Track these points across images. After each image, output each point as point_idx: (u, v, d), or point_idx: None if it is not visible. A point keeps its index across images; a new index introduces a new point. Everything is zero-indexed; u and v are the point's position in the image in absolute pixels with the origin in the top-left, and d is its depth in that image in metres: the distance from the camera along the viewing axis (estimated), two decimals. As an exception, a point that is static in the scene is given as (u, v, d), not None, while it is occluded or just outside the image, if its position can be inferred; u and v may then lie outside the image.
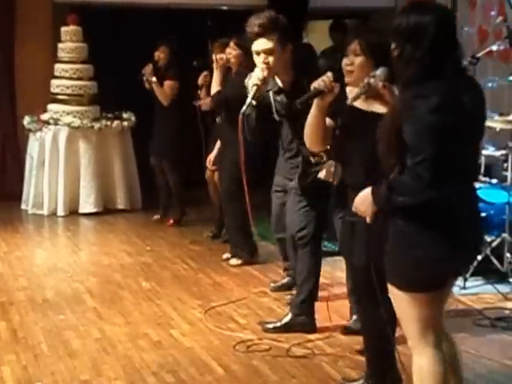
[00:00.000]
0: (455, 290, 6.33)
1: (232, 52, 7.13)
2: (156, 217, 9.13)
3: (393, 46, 3.46)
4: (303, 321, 5.49)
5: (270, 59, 5.05)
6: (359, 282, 4.37)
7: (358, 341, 5.10)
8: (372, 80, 4.02)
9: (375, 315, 4.16)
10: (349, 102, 4.04)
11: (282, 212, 5.80)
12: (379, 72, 4.02)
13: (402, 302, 3.50)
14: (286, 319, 5.52)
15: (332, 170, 4.77)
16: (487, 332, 5.57)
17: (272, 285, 6.59)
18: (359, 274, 4.28)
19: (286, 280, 6.53)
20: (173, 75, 8.72)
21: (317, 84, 4.15)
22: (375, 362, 4.42)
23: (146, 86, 8.85)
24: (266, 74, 5.06)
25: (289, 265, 6.30)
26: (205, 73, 7.94)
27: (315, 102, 4.19)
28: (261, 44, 5.07)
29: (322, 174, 5.02)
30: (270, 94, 5.24)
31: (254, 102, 5.07)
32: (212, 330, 5.57)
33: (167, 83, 8.72)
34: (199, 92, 8.04)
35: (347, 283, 5.47)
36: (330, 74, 4.20)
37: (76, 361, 5.00)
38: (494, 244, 6.53)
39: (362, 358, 4.81)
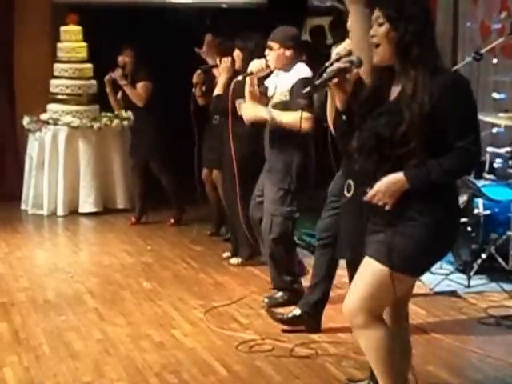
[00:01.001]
0: (460, 288, 6.32)
1: (235, 55, 7.08)
2: (133, 219, 9.05)
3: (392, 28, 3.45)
4: (310, 321, 5.45)
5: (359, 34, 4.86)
6: None
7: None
8: (345, 65, 3.69)
9: None
10: (317, 82, 3.74)
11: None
12: (355, 58, 3.74)
13: (385, 279, 3.46)
14: (294, 313, 5.48)
15: None
16: (492, 331, 5.54)
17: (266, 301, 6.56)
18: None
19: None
20: (144, 76, 8.73)
21: (333, 66, 3.96)
22: None
23: (108, 89, 8.98)
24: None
25: None
26: (198, 71, 7.89)
27: (329, 92, 3.97)
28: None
29: None
30: None
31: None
32: (214, 331, 5.53)
33: (140, 85, 8.72)
34: (193, 90, 7.99)
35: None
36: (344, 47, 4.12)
37: (78, 362, 4.97)
38: (499, 242, 6.50)
39: (366, 358, 4.80)
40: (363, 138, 3.53)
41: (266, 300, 6.06)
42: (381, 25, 3.48)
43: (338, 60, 4.82)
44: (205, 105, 7.78)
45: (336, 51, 4.97)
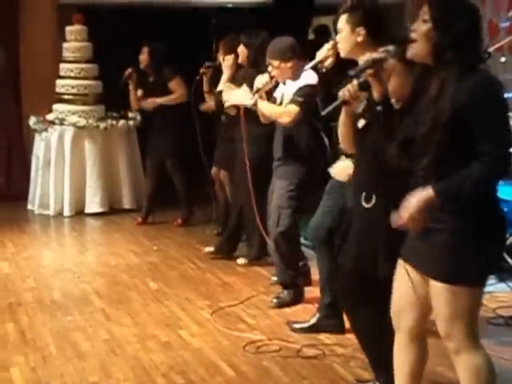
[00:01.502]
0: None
1: (239, 51, 7.07)
2: (139, 219, 9.04)
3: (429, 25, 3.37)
4: (330, 323, 5.43)
5: (339, 37, 4.94)
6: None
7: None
8: (380, 55, 3.65)
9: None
10: (351, 73, 3.73)
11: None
12: (392, 48, 3.69)
13: (462, 299, 3.38)
14: (313, 320, 5.47)
15: None
16: (501, 331, 5.52)
17: (272, 278, 6.62)
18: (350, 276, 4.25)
19: None
20: (171, 73, 8.69)
21: (342, 93, 4.06)
22: (378, 360, 4.38)
23: (131, 86, 8.86)
24: (330, 49, 4.94)
25: None
26: (206, 64, 7.90)
27: (343, 109, 4.14)
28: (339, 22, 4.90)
29: None
30: None
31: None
32: (221, 331, 5.53)
33: (173, 83, 8.66)
34: (197, 78, 7.96)
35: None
36: (355, 82, 4.14)
37: (85, 362, 4.97)
38: (509, 242, 6.46)
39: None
40: (409, 131, 3.47)
41: (275, 300, 6.06)
42: (425, 21, 3.41)
43: (319, 63, 4.94)
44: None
45: (318, 53, 5.04)
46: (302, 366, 4.91)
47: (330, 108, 4.15)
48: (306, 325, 5.49)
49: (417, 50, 3.43)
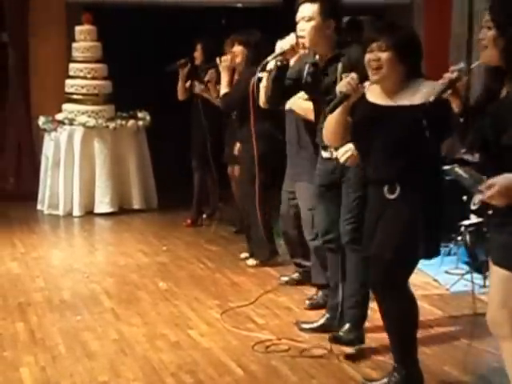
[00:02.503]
0: (476, 288, 6.29)
1: (234, 49, 7.07)
2: (188, 221, 8.97)
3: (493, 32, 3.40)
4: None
5: (307, 26, 4.96)
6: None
7: (376, 340, 5.10)
8: (455, 74, 3.70)
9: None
10: (432, 98, 3.74)
11: (290, 213, 6.25)
12: (463, 64, 3.78)
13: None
14: (322, 321, 5.45)
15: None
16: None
17: (282, 278, 6.64)
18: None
19: (295, 275, 6.59)
20: None
21: (344, 88, 4.18)
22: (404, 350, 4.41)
23: (181, 75, 8.61)
24: (295, 40, 4.97)
25: (298, 261, 6.49)
26: (212, 70, 7.90)
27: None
28: (302, 11, 4.97)
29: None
30: (306, 66, 5.11)
31: (272, 64, 5.05)
32: (230, 331, 5.53)
33: None
34: (202, 87, 7.97)
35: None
36: (354, 75, 4.21)
37: (94, 362, 4.98)
38: None
39: (383, 358, 4.81)
40: (473, 137, 3.53)
41: (308, 302, 6.02)
42: (489, 28, 3.45)
43: (280, 54, 4.99)
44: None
45: (280, 45, 5.07)
46: (310, 365, 4.90)
47: (334, 103, 4.27)
48: (314, 325, 5.49)
49: (488, 56, 3.48)
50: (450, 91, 3.65)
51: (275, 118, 6.38)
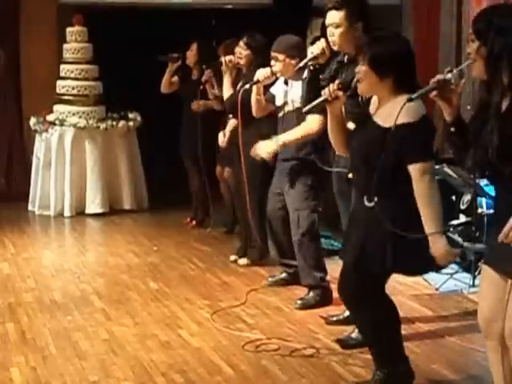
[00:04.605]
0: (463, 287, 6.34)
1: (242, 52, 7.06)
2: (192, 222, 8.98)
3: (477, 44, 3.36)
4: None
5: (336, 32, 5.11)
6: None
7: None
8: (448, 76, 3.58)
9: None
10: (413, 97, 3.66)
11: (278, 214, 6.28)
12: (456, 70, 3.63)
13: None
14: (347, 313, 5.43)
15: None
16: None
17: (269, 279, 6.67)
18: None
19: (283, 275, 6.61)
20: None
21: (322, 92, 4.22)
22: (382, 352, 4.44)
23: (169, 68, 8.61)
24: (325, 44, 5.19)
25: (286, 262, 6.49)
26: (209, 70, 7.90)
27: (327, 109, 4.31)
28: (329, 17, 5.18)
29: None
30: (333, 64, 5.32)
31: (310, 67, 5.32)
32: (220, 330, 5.55)
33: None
34: (201, 87, 7.99)
35: None
36: (337, 82, 4.26)
37: (84, 362, 4.99)
38: None
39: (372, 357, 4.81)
40: (478, 155, 3.42)
41: (299, 302, 6.05)
42: (473, 41, 3.42)
43: (312, 59, 5.14)
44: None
45: (311, 50, 5.22)
46: (300, 364, 4.93)
47: (311, 105, 4.37)
48: (341, 317, 5.53)
49: (477, 69, 3.42)
50: (435, 92, 3.54)
51: (272, 122, 6.39)
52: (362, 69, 4.11)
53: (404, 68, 4.11)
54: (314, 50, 5.29)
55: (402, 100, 3.75)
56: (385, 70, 4.06)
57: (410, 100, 3.63)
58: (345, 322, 5.43)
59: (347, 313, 5.39)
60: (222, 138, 7.61)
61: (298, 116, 5.76)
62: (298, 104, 5.86)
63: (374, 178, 3.94)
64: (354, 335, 5.16)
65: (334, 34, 5.13)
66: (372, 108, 4.24)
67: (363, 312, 4.37)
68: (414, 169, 3.99)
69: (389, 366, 4.38)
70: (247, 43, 7.00)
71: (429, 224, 3.94)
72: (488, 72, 3.35)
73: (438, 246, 3.94)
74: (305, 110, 4.49)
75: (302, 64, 5.41)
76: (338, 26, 5.12)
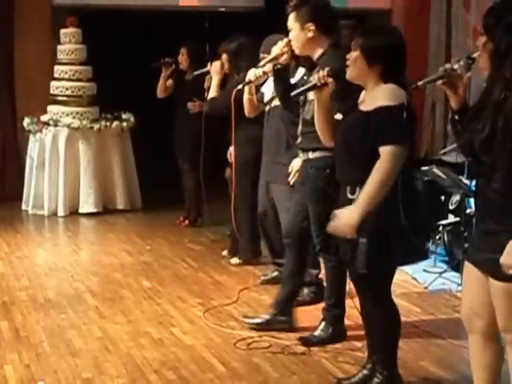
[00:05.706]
0: (453, 286, 6.40)
1: (223, 57, 7.18)
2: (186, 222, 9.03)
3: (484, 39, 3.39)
4: (279, 320, 5.52)
5: (291, 36, 5.11)
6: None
7: (358, 337, 5.18)
8: (456, 66, 3.62)
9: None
10: (419, 84, 3.72)
11: (269, 213, 6.41)
12: (464, 60, 3.67)
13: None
14: (267, 316, 5.54)
15: None
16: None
17: (262, 278, 6.73)
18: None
19: (275, 273, 6.66)
20: None
21: (312, 78, 4.26)
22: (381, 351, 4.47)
23: (164, 73, 8.72)
24: (283, 47, 5.17)
25: (278, 261, 6.50)
26: (209, 75, 7.95)
27: (314, 96, 4.34)
28: (288, 23, 5.15)
29: None
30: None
31: (258, 71, 5.48)
32: (212, 328, 5.61)
33: None
34: (206, 94, 8.05)
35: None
36: (327, 69, 4.29)
37: (78, 359, 5.03)
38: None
39: (362, 354, 4.86)
40: (464, 138, 3.50)
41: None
42: (481, 35, 3.45)
43: (272, 60, 5.20)
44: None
45: (273, 50, 5.27)
46: (291, 361, 4.99)
47: (300, 90, 4.41)
48: (259, 320, 5.57)
49: (482, 63, 3.48)
50: (443, 80, 3.59)
51: (260, 124, 6.44)
52: (353, 54, 4.12)
53: (394, 58, 4.12)
54: (274, 50, 5.27)
55: (387, 87, 3.89)
56: (375, 57, 4.07)
57: (415, 87, 3.69)
58: (260, 326, 5.51)
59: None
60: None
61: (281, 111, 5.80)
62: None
63: (353, 164, 3.99)
64: (316, 333, 5.27)
65: (292, 39, 5.11)
66: (359, 100, 4.27)
67: (377, 312, 4.38)
68: (383, 150, 3.94)
69: (389, 369, 4.41)
70: (222, 48, 7.17)
71: (362, 196, 3.93)
72: (492, 66, 3.39)
73: (351, 216, 3.92)
74: (292, 93, 4.51)
75: (261, 64, 5.45)
76: (291, 30, 5.08)
